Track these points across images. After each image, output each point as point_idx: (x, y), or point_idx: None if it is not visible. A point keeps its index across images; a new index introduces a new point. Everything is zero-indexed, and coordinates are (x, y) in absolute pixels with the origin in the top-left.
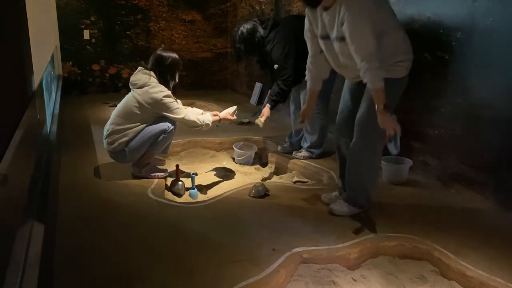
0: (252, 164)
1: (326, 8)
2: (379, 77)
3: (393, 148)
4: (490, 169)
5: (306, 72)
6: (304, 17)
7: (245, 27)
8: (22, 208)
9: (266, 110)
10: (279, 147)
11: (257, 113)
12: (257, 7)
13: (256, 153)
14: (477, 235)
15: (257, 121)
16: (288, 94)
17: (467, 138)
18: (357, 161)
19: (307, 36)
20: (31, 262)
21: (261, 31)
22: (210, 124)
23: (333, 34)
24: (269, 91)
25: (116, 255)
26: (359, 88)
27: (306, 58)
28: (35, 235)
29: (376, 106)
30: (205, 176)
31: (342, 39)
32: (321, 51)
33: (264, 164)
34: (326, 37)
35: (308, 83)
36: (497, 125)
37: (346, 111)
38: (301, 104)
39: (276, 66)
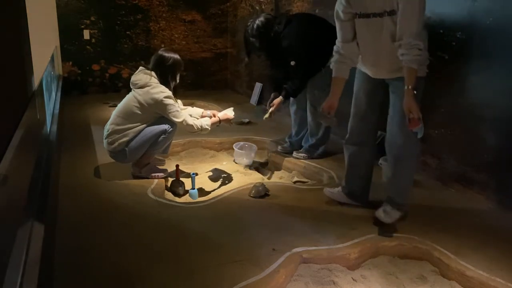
0: (252, 164)
1: None
2: (419, 59)
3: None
4: (490, 169)
5: (334, 58)
6: (312, 14)
7: (260, 21)
8: (22, 208)
9: (277, 101)
10: (279, 147)
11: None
12: (257, 7)
13: (256, 153)
14: (477, 235)
15: (266, 115)
16: (302, 90)
17: (467, 138)
18: (405, 164)
19: (339, 17)
20: (31, 262)
21: (275, 26)
22: (209, 129)
23: (383, 8)
24: (284, 86)
25: (116, 255)
26: (376, 91)
27: (320, 54)
28: (35, 235)
29: (406, 86)
30: (205, 176)
31: (391, 13)
32: (354, 36)
33: (264, 164)
34: (366, 15)
35: (336, 71)
36: (497, 125)
37: (360, 117)
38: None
39: (292, 62)
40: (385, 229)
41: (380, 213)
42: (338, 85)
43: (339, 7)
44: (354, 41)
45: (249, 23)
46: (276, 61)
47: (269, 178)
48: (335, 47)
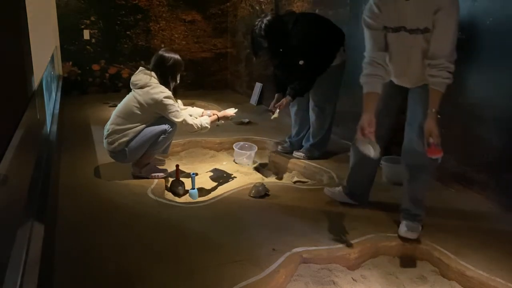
0: (252, 164)
1: None
2: (448, 82)
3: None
4: (490, 169)
5: (366, 71)
6: (318, 14)
7: (268, 21)
8: (22, 208)
9: (285, 101)
10: (279, 147)
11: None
12: (257, 7)
13: (256, 153)
14: (477, 235)
15: (273, 116)
16: (310, 89)
17: (467, 138)
18: (424, 173)
19: (369, 26)
20: (31, 262)
21: (283, 25)
22: (209, 127)
23: (416, 25)
24: (290, 85)
25: (116, 255)
26: (394, 95)
27: (328, 54)
28: (35, 235)
29: (429, 109)
30: (205, 176)
31: (424, 30)
32: (386, 48)
33: (264, 164)
34: (400, 29)
35: (369, 86)
36: (497, 125)
37: (382, 125)
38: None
39: (301, 62)
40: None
41: (404, 233)
42: (373, 101)
43: (369, 16)
44: (387, 51)
45: (256, 23)
46: (283, 61)
47: (280, 179)
48: (366, 59)
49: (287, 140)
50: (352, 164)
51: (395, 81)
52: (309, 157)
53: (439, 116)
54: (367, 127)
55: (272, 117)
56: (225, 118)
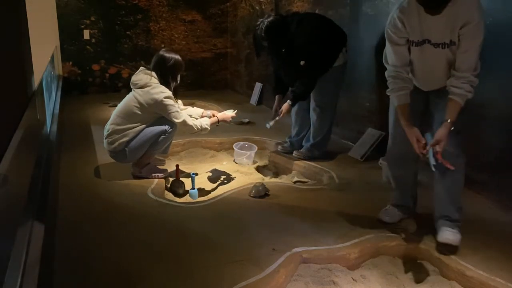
0: (252, 164)
1: (434, 12)
2: (469, 96)
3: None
4: (490, 169)
5: (393, 86)
6: (322, 16)
7: (269, 22)
8: (22, 208)
9: (286, 107)
10: (279, 147)
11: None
12: (257, 7)
13: (256, 153)
14: (477, 235)
15: (271, 123)
16: (312, 91)
17: (467, 138)
18: (459, 174)
19: (393, 41)
20: (31, 262)
21: (285, 26)
22: (209, 129)
23: (441, 39)
24: (291, 88)
25: (116, 255)
26: (417, 96)
27: (330, 54)
28: (35, 235)
29: (447, 120)
30: (205, 176)
31: (450, 43)
32: (409, 61)
33: (264, 164)
34: (424, 42)
35: (399, 99)
36: (497, 125)
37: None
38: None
39: (302, 62)
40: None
41: (448, 240)
42: (406, 111)
43: (392, 30)
44: (411, 64)
45: (258, 23)
46: (285, 61)
47: (277, 175)
48: (392, 72)
49: (287, 140)
50: (393, 178)
51: (418, 85)
52: (309, 157)
53: (452, 128)
54: (419, 141)
55: (269, 127)
56: (225, 121)
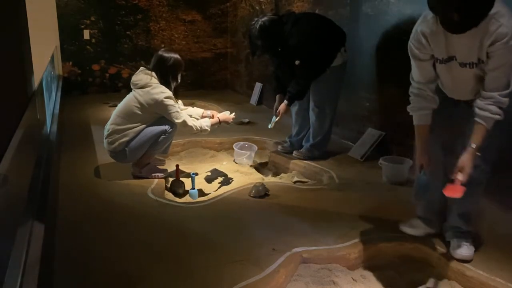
0: (252, 164)
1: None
2: (496, 119)
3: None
4: (490, 169)
5: (415, 104)
6: (318, 14)
7: (263, 22)
8: (22, 208)
9: (283, 107)
10: (279, 147)
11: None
12: (257, 7)
13: (256, 153)
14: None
15: (271, 125)
16: (307, 91)
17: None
18: (479, 186)
19: (416, 56)
20: (31, 262)
21: (280, 26)
22: (209, 130)
23: (468, 59)
24: (288, 88)
25: (116, 255)
26: (444, 102)
27: (327, 54)
28: (35, 235)
29: (471, 144)
30: (205, 176)
31: (479, 62)
32: (434, 77)
33: (264, 164)
34: (450, 59)
35: (420, 119)
36: (497, 125)
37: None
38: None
39: (297, 62)
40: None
41: (463, 256)
42: (425, 134)
43: (416, 46)
44: (434, 81)
45: (253, 22)
46: (281, 61)
47: (277, 175)
48: (415, 90)
49: (287, 140)
50: (418, 189)
51: (447, 93)
52: (309, 157)
53: (478, 154)
54: (426, 165)
55: (270, 126)
56: (226, 122)
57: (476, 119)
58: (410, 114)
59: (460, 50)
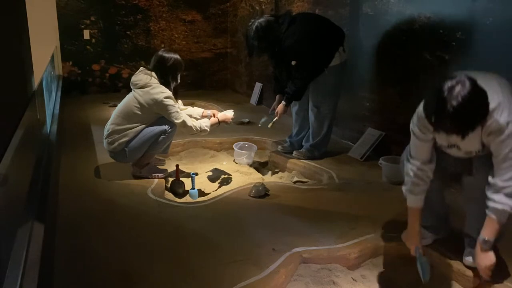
0: (252, 164)
1: None
2: (507, 209)
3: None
4: None
5: (411, 185)
6: (315, 14)
7: (260, 23)
8: (22, 208)
9: (280, 108)
10: (279, 147)
11: (269, 116)
12: (257, 7)
13: (256, 153)
14: None
15: (269, 124)
16: (304, 91)
17: None
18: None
19: (418, 137)
20: (31, 262)
21: (277, 27)
22: (208, 130)
23: (470, 148)
24: (286, 89)
25: (116, 255)
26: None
27: (323, 54)
28: (35, 235)
29: (484, 237)
30: (205, 176)
31: (483, 149)
32: (434, 158)
33: (264, 164)
34: (451, 147)
35: (414, 201)
36: None
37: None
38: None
39: (293, 62)
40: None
41: (472, 263)
42: (418, 216)
43: (419, 127)
44: (433, 161)
45: (250, 23)
46: (279, 61)
47: (295, 183)
48: (414, 169)
49: (287, 140)
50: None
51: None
52: (309, 157)
53: (491, 251)
54: (413, 248)
55: (269, 126)
56: (226, 122)
57: (488, 212)
58: (405, 194)
59: (462, 143)
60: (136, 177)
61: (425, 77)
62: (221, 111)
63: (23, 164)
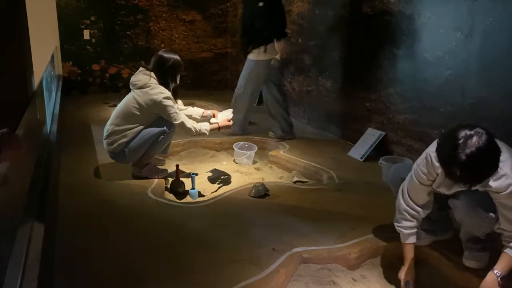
0: (252, 164)
1: None
2: None
3: None
4: None
5: (406, 224)
6: None
7: None
8: (22, 208)
9: (279, 45)
10: (270, 133)
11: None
12: None
13: (256, 153)
14: None
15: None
16: (284, 24)
17: None
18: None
19: (421, 184)
20: (31, 262)
21: None
22: (207, 134)
23: (459, 189)
24: (266, 33)
25: (116, 255)
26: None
27: (283, 18)
28: (35, 235)
29: (498, 272)
30: (205, 176)
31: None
32: (431, 204)
33: (264, 164)
34: (451, 195)
35: (410, 239)
36: (497, 125)
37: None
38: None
39: (261, 3)
40: None
41: (468, 262)
42: (411, 251)
43: (425, 174)
44: (431, 207)
45: None
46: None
47: (295, 183)
48: (408, 208)
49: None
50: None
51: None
52: (283, 137)
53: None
54: (406, 279)
55: (272, 62)
56: (226, 127)
57: (504, 250)
58: (397, 231)
59: (464, 190)
60: (136, 177)
61: (424, 77)
62: (221, 111)
63: (23, 164)
